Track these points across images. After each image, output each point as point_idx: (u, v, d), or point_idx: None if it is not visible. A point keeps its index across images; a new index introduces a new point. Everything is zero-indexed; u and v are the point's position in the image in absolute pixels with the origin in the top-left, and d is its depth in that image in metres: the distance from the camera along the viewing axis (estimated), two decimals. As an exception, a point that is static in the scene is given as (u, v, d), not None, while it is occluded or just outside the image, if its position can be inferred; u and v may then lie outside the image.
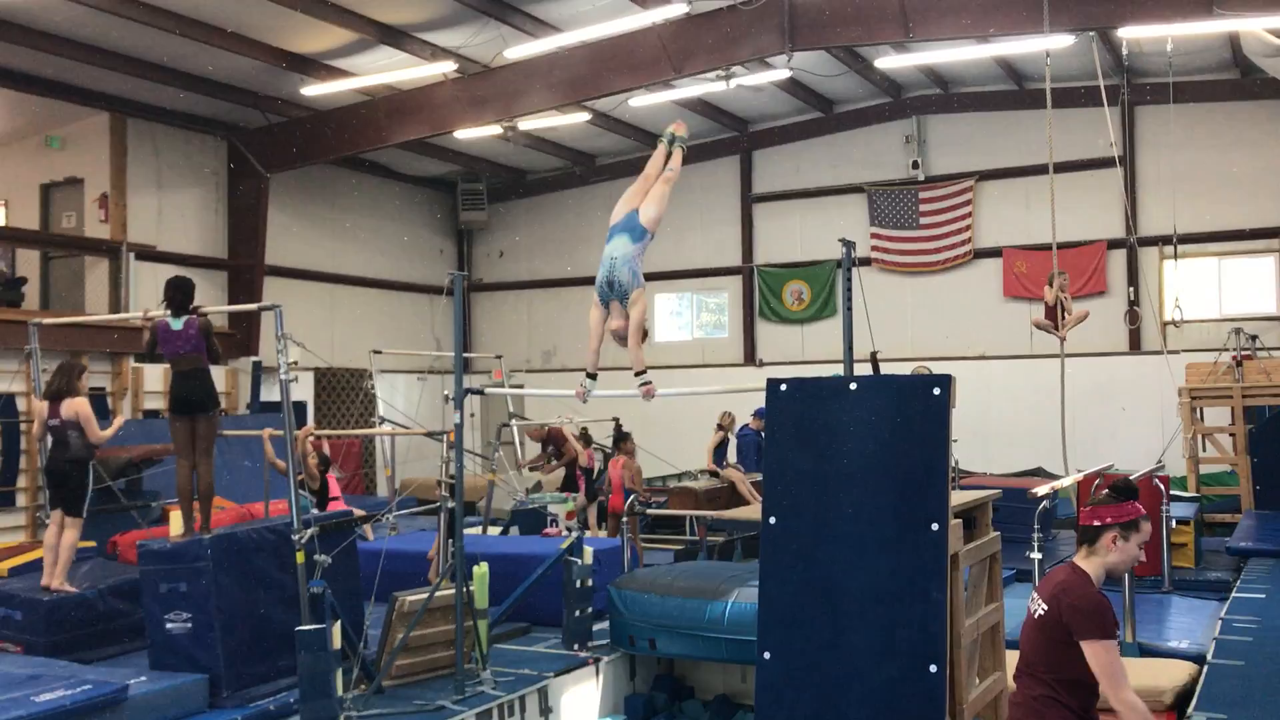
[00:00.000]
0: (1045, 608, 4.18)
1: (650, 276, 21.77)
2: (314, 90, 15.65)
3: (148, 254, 15.98)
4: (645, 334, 7.05)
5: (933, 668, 5.06)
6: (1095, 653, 4.00)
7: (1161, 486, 10.33)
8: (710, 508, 12.02)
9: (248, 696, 7.19)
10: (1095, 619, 4.03)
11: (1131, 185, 16.98)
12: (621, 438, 12.78)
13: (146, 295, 14.04)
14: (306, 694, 6.51)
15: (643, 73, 14.88)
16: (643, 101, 16.98)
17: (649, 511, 11.60)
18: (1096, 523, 4.23)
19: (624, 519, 10.47)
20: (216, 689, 7.12)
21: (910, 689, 5.08)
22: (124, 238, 15.86)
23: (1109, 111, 12.57)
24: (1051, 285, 12.08)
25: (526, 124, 17.54)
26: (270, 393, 16.53)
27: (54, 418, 8.32)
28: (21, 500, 14.20)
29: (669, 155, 7.65)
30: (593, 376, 7.06)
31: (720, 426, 13.87)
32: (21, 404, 13.89)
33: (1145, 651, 7.89)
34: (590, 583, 8.63)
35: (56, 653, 7.66)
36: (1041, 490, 8.27)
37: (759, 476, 12.12)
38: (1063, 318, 12.08)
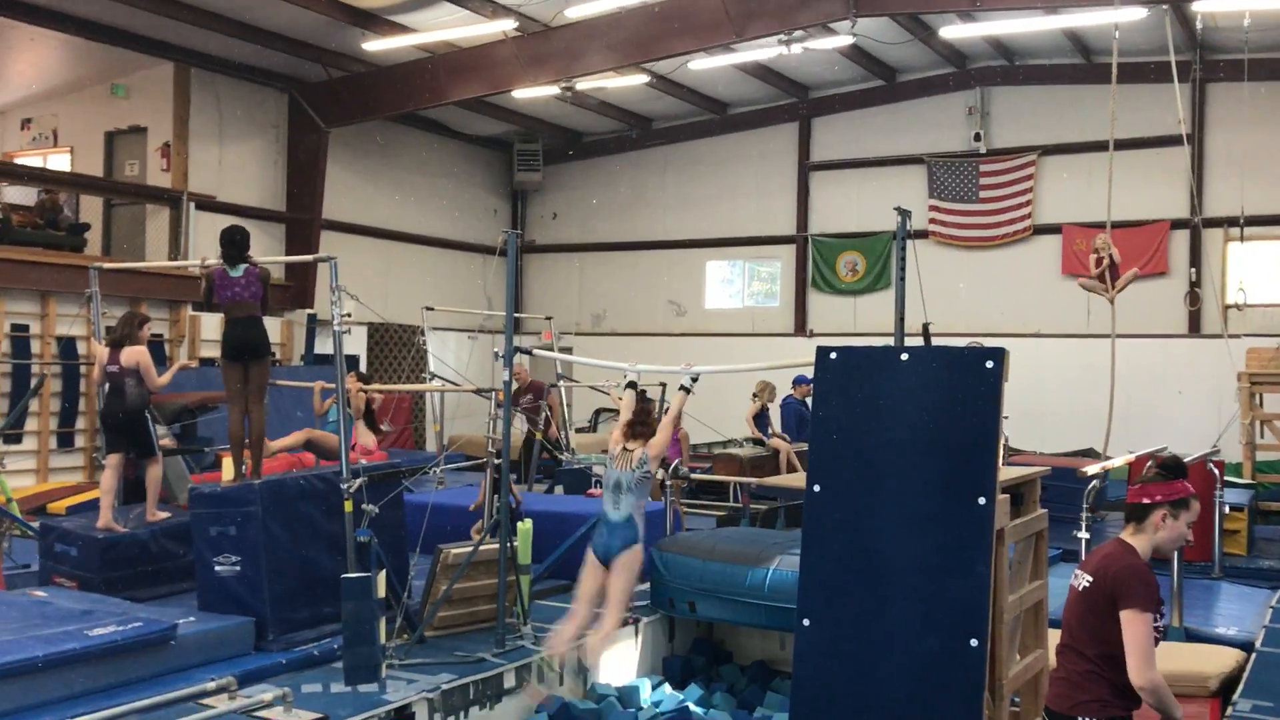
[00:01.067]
0: (1090, 579, 4.16)
1: (703, 243, 22.01)
2: (375, 45, 15.70)
3: (208, 204, 16.19)
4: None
5: (973, 642, 5.03)
6: (1131, 622, 3.95)
7: (1216, 471, 10.17)
8: (754, 475, 12.00)
9: (292, 641, 7.32)
10: (1139, 589, 3.99)
11: (1199, 164, 16.61)
12: (646, 426, 12.74)
13: (205, 244, 14.20)
14: (350, 640, 6.61)
15: (703, 35, 14.77)
16: (702, 65, 16.86)
17: (692, 477, 11.60)
18: (1145, 500, 4.19)
19: (666, 483, 10.48)
20: (262, 632, 7.25)
21: (950, 662, 5.05)
22: (185, 187, 16.08)
23: (1179, 88, 12.28)
24: (1097, 250, 11.76)
25: (584, 85, 17.48)
26: (324, 345, 16.73)
27: (113, 364, 8.45)
28: (80, 441, 14.52)
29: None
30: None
31: (755, 395, 13.80)
32: (82, 347, 14.17)
33: (1192, 637, 7.80)
34: (632, 544, 8.64)
35: (110, 590, 7.83)
36: (1091, 469, 8.19)
37: (802, 446, 12.08)
38: (1112, 279, 11.80)
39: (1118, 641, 4.00)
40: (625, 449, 7.10)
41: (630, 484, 6.99)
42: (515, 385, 13.58)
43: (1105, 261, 11.89)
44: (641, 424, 7.19)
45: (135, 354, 8.44)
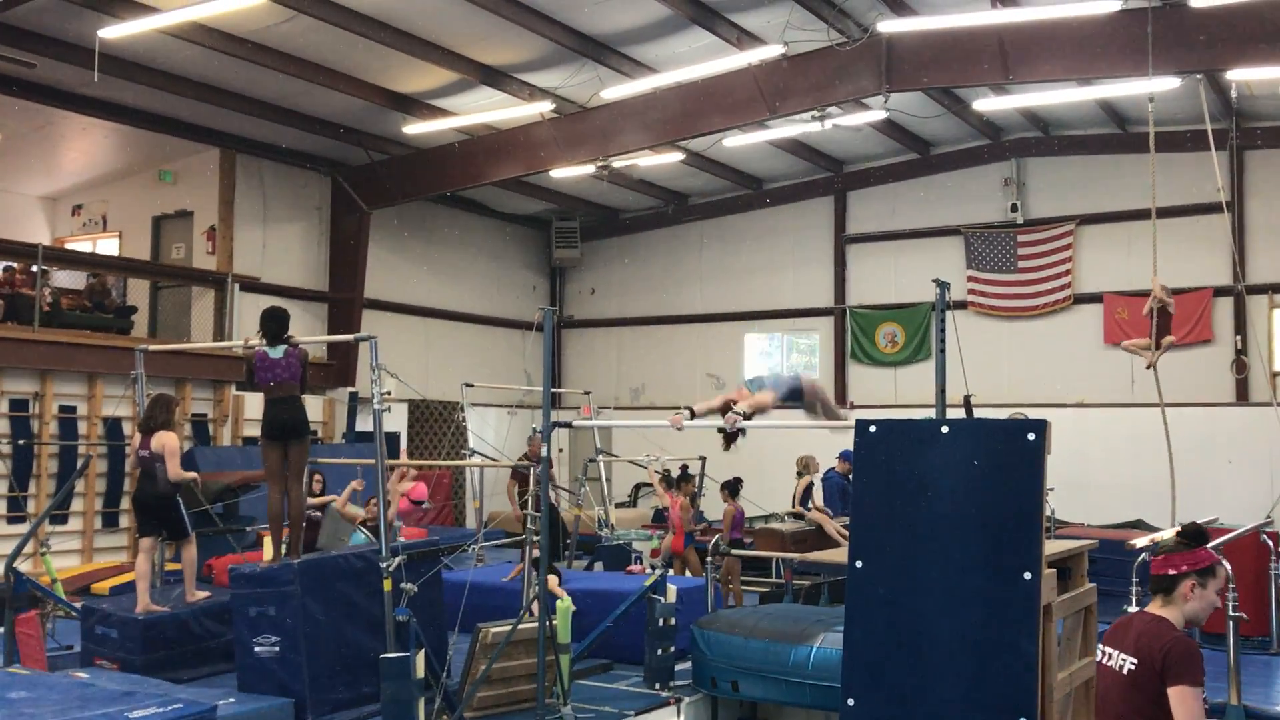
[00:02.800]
0: (1135, 661, 4.06)
1: (741, 316, 21.98)
2: (415, 129, 16.02)
3: (252, 285, 16.45)
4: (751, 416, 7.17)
5: (1023, 721, 4.90)
6: (1185, 699, 3.87)
7: (1270, 543, 9.95)
8: (796, 550, 11.88)
9: (332, 722, 7.27)
10: (1190, 664, 3.91)
11: (1240, 232, 16.49)
12: (683, 478, 12.71)
13: (249, 325, 14.41)
14: (389, 722, 6.56)
15: (738, 113, 14.93)
16: (737, 141, 17.03)
17: (734, 552, 11.49)
18: (1172, 571, 4.13)
19: (709, 559, 10.39)
20: (301, 713, 7.22)
21: (999, 742, 4.92)
22: (230, 269, 16.37)
23: (1217, 156, 12.24)
24: (1155, 291, 11.53)
25: (621, 163, 17.71)
26: (365, 423, 16.82)
27: (144, 449, 8.53)
28: (124, 521, 14.63)
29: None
30: (692, 412, 7.16)
31: (800, 473, 13.65)
32: (127, 428, 14.35)
33: (1251, 715, 7.57)
34: (673, 621, 8.57)
35: (151, 671, 7.83)
36: (1140, 542, 8.03)
37: (845, 519, 11.95)
38: (1157, 335, 11.53)
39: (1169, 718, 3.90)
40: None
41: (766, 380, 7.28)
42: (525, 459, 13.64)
43: (1156, 308, 11.62)
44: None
45: (164, 438, 8.50)
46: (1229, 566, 7.93)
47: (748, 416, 7.09)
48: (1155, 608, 4.19)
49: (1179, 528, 4.81)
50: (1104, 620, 8.50)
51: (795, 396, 7.38)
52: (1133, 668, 4.06)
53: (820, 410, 7.48)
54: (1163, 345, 11.59)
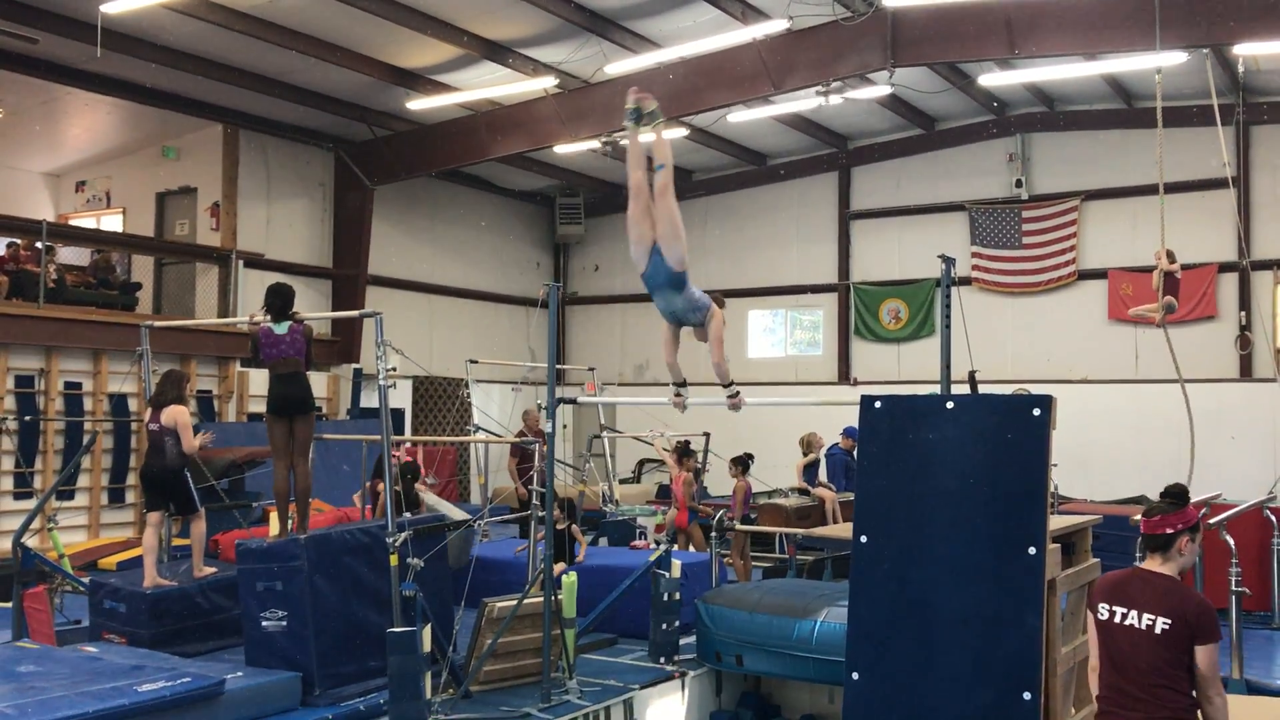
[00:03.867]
0: (1168, 622, 4.33)
1: (744, 293, 21.95)
2: (418, 104, 15.97)
3: (256, 262, 16.45)
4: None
5: (1026, 695, 4.93)
6: (1210, 654, 4.27)
7: (1273, 518, 9.97)
8: (800, 526, 11.91)
9: (339, 695, 7.32)
10: (1216, 624, 4.33)
11: (1245, 207, 16.44)
12: (685, 453, 12.73)
13: (253, 301, 14.42)
14: (396, 695, 6.61)
15: (742, 88, 14.88)
16: (741, 117, 16.98)
17: (738, 528, 11.53)
18: (1169, 530, 4.50)
19: (712, 535, 10.43)
20: (309, 687, 7.26)
21: (1002, 716, 4.96)
22: (234, 246, 16.37)
23: (1223, 131, 12.19)
24: (1159, 264, 11.56)
25: (624, 139, 17.62)
26: (370, 399, 16.88)
27: (154, 423, 8.55)
28: (130, 497, 14.70)
29: (648, 153, 6.41)
30: (681, 384, 7.06)
31: (805, 451, 13.66)
32: (132, 404, 14.40)
33: (1253, 689, 7.60)
34: (678, 596, 8.60)
35: (158, 645, 7.88)
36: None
37: (849, 496, 11.98)
38: (1172, 292, 11.56)
39: (1193, 671, 4.32)
40: None
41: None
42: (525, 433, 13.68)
43: (1161, 274, 11.67)
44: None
45: (174, 413, 8.52)
46: (1232, 540, 7.99)
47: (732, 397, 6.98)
48: (1156, 565, 4.51)
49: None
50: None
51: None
52: (1166, 627, 4.33)
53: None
54: (1161, 304, 11.62)
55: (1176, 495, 4.59)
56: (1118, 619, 4.48)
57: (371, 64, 14.85)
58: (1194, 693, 4.33)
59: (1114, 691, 4.49)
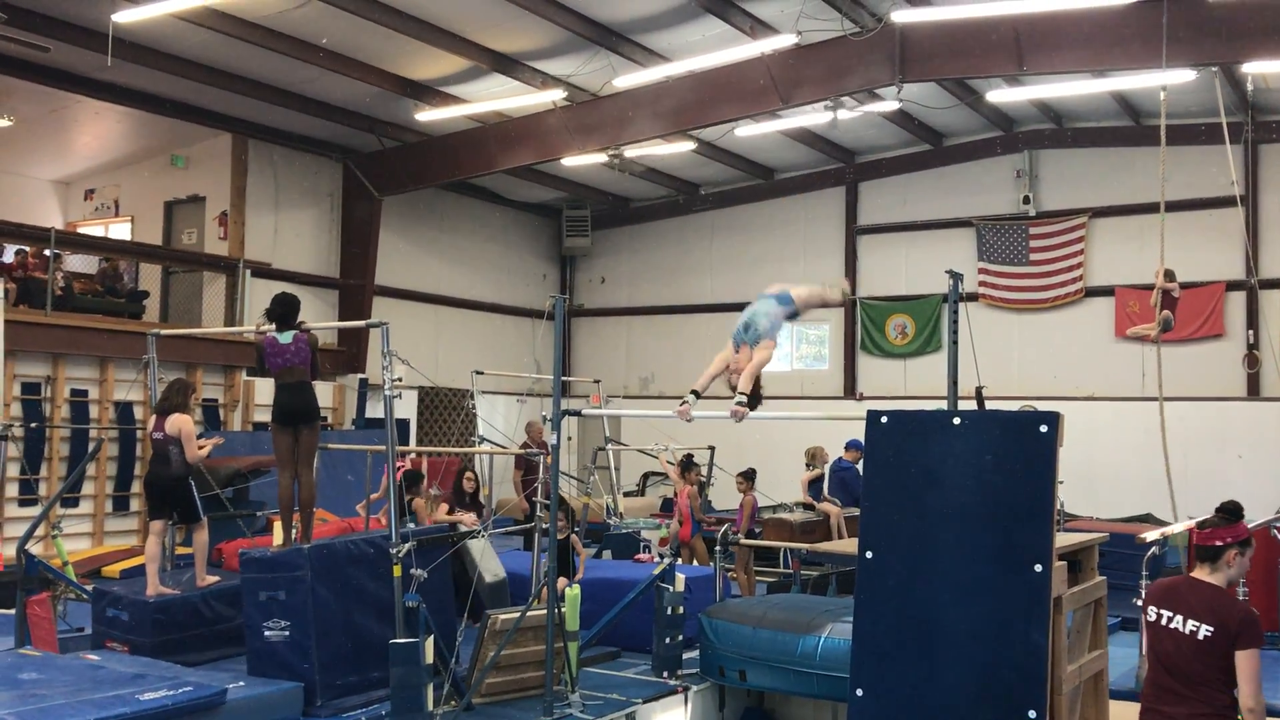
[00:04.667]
0: (1212, 629, 4.59)
1: (751, 306, 21.35)
2: (427, 116, 16.01)
3: (263, 271, 16.48)
4: (759, 395, 6.97)
5: (1031, 714, 4.91)
6: (1251, 659, 4.53)
7: (1280, 538, 9.91)
8: (805, 541, 11.88)
9: (340, 706, 7.31)
10: (1259, 630, 4.59)
11: (1254, 225, 16.40)
12: (689, 466, 12.68)
13: (261, 311, 14.47)
14: (398, 707, 6.59)
15: (750, 103, 14.89)
16: (748, 131, 17.00)
17: (743, 542, 11.50)
18: (1218, 543, 4.74)
19: (716, 549, 10.40)
20: (311, 697, 7.25)
21: (1007, 734, 4.93)
22: (241, 255, 16.39)
23: (1231, 149, 12.18)
24: (1157, 282, 11.61)
25: (632, 152, 17.68)
26: (375, 409, 16.85)
27: (158, 431, 8.55)
28: (135, 505, 14.69)
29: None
30: (696, 394, 7.04)
31: (810, 465, 13.63)
32: (138, 412, 14.41)
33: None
34: (681, 610, 8.58)
35: (161, 654, 7.88)
36: (1150, 536, 8.02)
37: (854, 511, 11.94)
38: (1160, 310, 11.60)
39: (1235, 675, 4.57)
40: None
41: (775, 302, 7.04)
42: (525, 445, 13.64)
43: (1159, 291, 11.71)
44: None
45: (178, 422, 8.51)
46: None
47: (756, 396, 7.01)
48: (1204, 575, 4.75)
49: (1191, 520, 5.05)
50: (1113, 613, 8.51)
51: (793, 318, 7.32)
52: (1209, 634, 4.60)
53: (817, 305, 7.53)
54: (1159, 320, 11.62)
55: (1230, 511, 4.83)
56: (1164, 622, 4.74)
57: (380, 75, 14.90)
58: (1231, 695, 4.58)
59: (1157, 689, 4.76)
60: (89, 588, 9.31)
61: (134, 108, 15.35)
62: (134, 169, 17.85)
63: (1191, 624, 4.65)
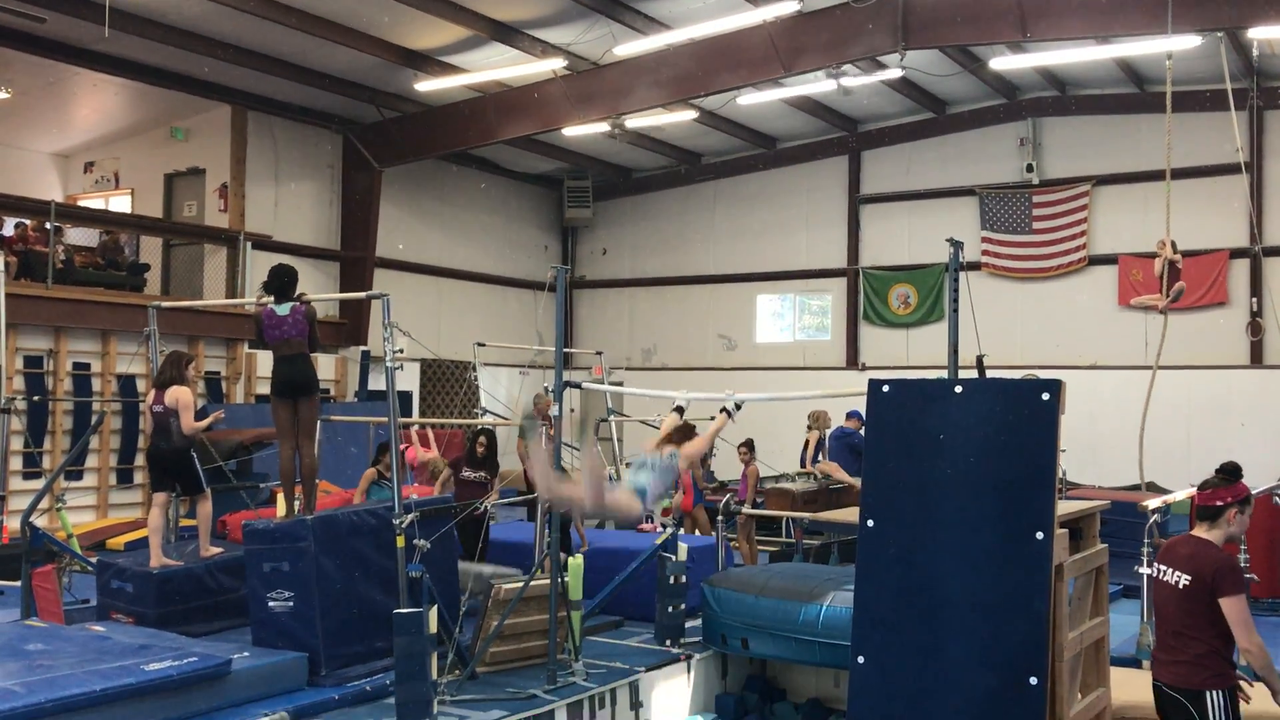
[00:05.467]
0: (1189, 578, 4.86)
1: (753, 277, 21.95)
2: (427, 86, 15.93)
3: (264, 243, 16.46)
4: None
5: (1033, 680, 4.92)
6: (1235, 605, 4.72)
7: (1282, 506, 9.92)
8: (807, 509, 11.90)
9: (345, 676, 7.33)
10: (1235, 577, 4.78)
11: (1258, 192, 16.33)
12: (686, 436, 12.66)
13: (261, 283, 14.47)
14: (402, 676, 6.61)
15: (752, 70, 14.80)
16: (751, 100, 16.90)
17: (744, 511, 11.52)
18: (1219, 502, 4.98)
19: (719, 518, 10.42)
20: (315, 667, 7.27)
21: (1009, 701, 4.95)
22: (241, 227, 16.37)
23: (1235, 116, 12.10)
24: (1163, 252, 11.61)
25: (633, 122, 17.60)
26: (378, 381, 16.82)
27: (158, 404, 8.53)
28: (139, 478, 14.73)
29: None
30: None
31: (810, 426, 13.68)
32: (140, 385, 14.42)
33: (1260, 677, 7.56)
34: (684, 579, 8.60)
35: (165, 625, 7.89)
36: (1152, 503, 8.02)
37: (857, 481, 11.95)
38: (1167, 284, 11.61)
39: (1224, 624, 4.78)
40: (658, 449, 6.73)
41: (654, 464, 6.45)
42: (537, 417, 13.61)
43: (1165, 262, 11.71)
44: (683, 435, 6.84)
45: (177, 392, 8.48)
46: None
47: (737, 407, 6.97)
48: (1201, 531, 4.99)
49: (1193, 488, 5.11)
50: (1115, 581, 8.52)
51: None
52: (1187, 583, 4.87)
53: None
54: (1172, 291, 11.61)
55: (1230, 471, 5.08)
56: (1160, 575, 5.04)
57: (380, 45, 14.81)
58: (1216, 641, 4.80)
59: (1158, 639, 5.11)
60: (93, 560, 9.35)
61: (132, 79, 15.29)
62: (134, 141, 17.79)
63: (1175, 575, 4.94)
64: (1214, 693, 4.84)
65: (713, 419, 7.43)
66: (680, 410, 7.43)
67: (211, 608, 8.39)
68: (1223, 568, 4.80)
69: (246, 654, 7.14)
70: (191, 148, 17.13)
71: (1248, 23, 12.72)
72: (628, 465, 12.14)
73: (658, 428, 15.35)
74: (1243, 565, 8.08)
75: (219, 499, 10.54)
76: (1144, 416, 11.58)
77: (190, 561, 8.51)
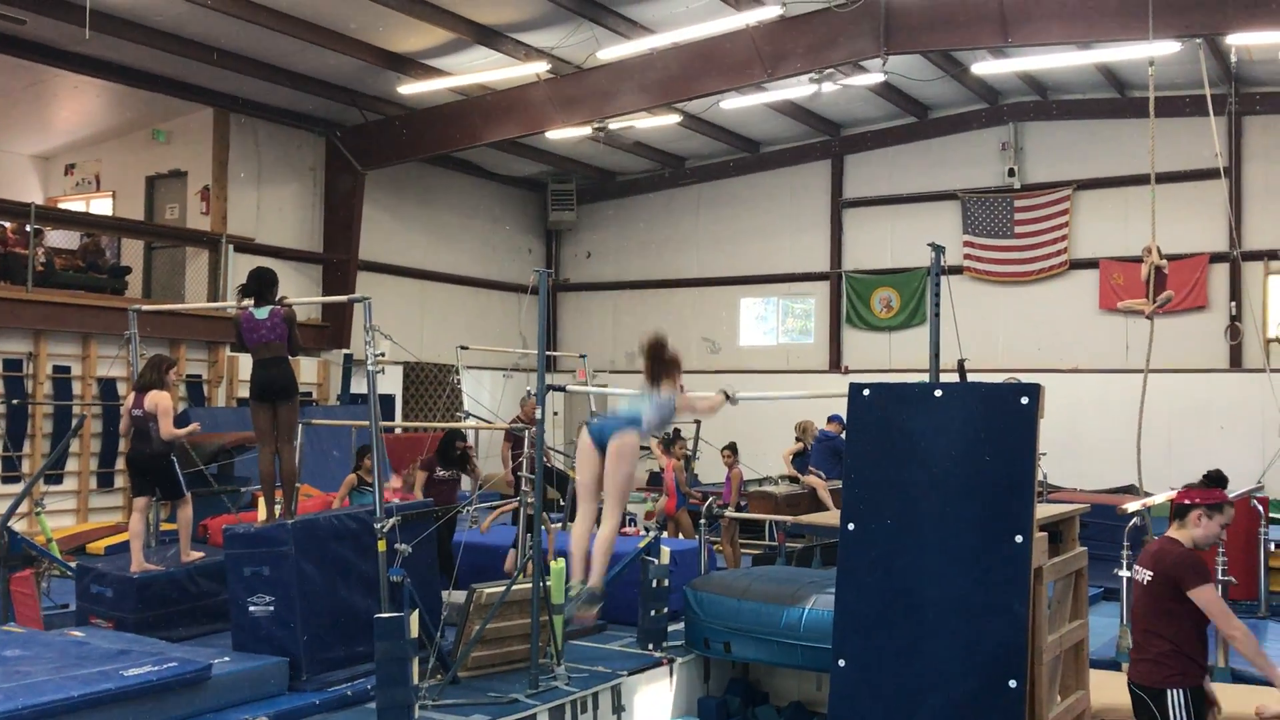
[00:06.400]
0: (1151, 575, 4.96)
1: (736, 280, 21.98)
2: (410, 89, 15.90)
3: (246, 246, 16.38)
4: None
5: (1012, 683, 4.94)
6: (1205, 595, 4.76)
7: (1260, 508, 10.00)
8: (790, 513, 11.92)
9: (326, 681, 7.31)
10: (1197, 568, 4.81)
11: (1237, 197, 16.45)
12: (674, 440, 12.69)
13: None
14: (383, 681, 6.59)
15: (735, 75, 14.83)
16: (734, 104, 16.93)
17: (727, 514, 11.53)
18: (1187, 501, 5.06)
19: (702, 522, 10.43)
20: (296, 672, 7.25)
21: (988, 704, 4.97)
22: (224, 230, 16.29)
23: (1214, 121, 12.18)
24: (1150, 258, 11.67)
25: (617, 125, 17.61)
26: (360, 385, 16.78)
27: (137, 408, 8.50)
28: (119, 481, 14.65)
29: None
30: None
31: (798, 437, 13.70)
32: (121, 388, 14.33)
33: (1239, 678, 7.62)
34: (666, 583, 8.61)
35: (145, 630, 7.86)
36: (1132, 506, 8.06)
37: (837, 484, 11.99)
38: (1154, 291, 11.67)
39: (1188, 621, 4.84)
40: (652, 384, 6.35)
41: (653, 400, 6.23)
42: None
43: (1152, 268, 11.77)
44: (660, 361, 6.35)
45: (156, 397, 8.46)
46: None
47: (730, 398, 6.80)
48: (1172, 531, 5.06)
49: (1173, 491, 5.19)
50: (1095, 584, 8.57)
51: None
52: (1149, 580, 5.00)
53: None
54: (1159, 299, 11.67)
55: (1213, 479, 5.18)
56: (1134, 575, 5.21)
57: (363, 48, 14.77)
58: (1179, 639, 4.86)
59: (1133, 639, 5.21)
60: (73, 564, 9.29)
61: (114, 82, 15.21)
62: (115, 144, 17.70)
63: (1143, 573, 5.06)
64: (1175, 691, 4.86)
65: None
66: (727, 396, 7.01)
67: (192, 612, 8.37)
68: (1182, 561, 4.85)
69: (227, 659, 7.12)
70: (173, 150, 17.05)
71: (1226, 29, 12.82)
72: (631, 520, 12.09)
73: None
74: (1220, 567, 8.12)
75: (200, 503, 10.49)
76: (1140, 421, 11.64)
77: (171, 566, 8.48)
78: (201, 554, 8.72)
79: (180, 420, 8.72)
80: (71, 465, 14.24)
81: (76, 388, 14.41)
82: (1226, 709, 5.20)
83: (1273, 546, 10.31)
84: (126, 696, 6.19)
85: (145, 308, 10.94)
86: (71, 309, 14.10)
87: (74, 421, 13.42)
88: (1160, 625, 4.89)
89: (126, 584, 8.15)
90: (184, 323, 15.06)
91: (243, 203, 16.81)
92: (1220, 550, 7.98)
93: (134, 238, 16.44)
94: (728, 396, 6.67)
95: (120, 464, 14.60)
